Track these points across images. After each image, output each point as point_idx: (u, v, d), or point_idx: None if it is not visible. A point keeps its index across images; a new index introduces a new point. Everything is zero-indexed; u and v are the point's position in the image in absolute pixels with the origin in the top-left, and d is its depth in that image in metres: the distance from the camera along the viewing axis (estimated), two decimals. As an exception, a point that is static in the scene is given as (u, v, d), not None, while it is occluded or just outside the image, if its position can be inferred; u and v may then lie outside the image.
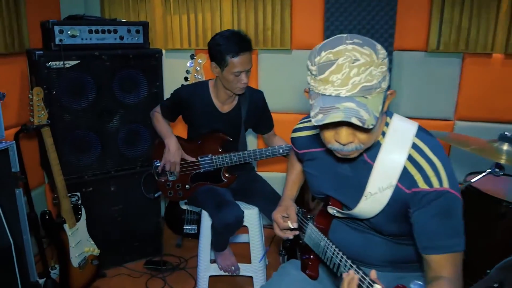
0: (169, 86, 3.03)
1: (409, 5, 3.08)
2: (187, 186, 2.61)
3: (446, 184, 1.25)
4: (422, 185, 1.26)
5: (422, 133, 1.36)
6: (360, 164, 1.41)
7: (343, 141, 1.25)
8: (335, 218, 1.63)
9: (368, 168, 1.37)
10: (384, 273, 1.47)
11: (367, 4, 3.07)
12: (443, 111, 3.23)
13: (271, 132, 2.77)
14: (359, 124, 1.12)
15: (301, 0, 3.17)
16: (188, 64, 3.12)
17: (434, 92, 3.20)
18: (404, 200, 1.31)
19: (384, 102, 1.23)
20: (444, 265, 1.28)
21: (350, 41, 1.18)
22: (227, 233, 2.42)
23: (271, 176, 3.38)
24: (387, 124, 1.38)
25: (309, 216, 1.79)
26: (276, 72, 3.27)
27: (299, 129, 1.72)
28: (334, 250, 1.47)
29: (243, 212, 2.41)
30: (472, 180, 2.24)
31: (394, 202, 1.32)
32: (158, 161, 2.60)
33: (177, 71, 3.23)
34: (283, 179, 3.45)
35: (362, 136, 1.25)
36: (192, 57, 3.13)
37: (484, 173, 2.20)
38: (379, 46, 1.21)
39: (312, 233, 1.68)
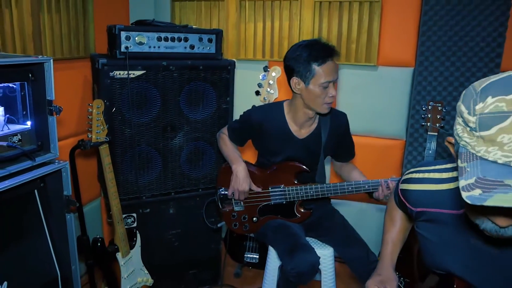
0: (239, 99, 2.66)
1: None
2: (254, 218, 2.21)
3: None
4: None
5: None
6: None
7: (502, 224, 0.90)
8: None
9: None
10: None
11: (472, 18, 2.53)
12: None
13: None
14: None
15: (393, 11, 2.66)
16: (260, 77, 2.74)
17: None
18: None
19: None
20: None
21: None
22: (298, 282, 1.99)
23: (342, 203, 2.93)
24: None
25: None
26: (358, 90, 2.79)
27: (417, 180, 1.27)
28: None
29: (319, 258, 1.97)
30: None
31: None
32: (223, 189, 2.21)
33: (248, 83, 2.84)
34: (356, 208, 3.02)
35: None
36: (265, 69, 2.74)
37: None
38: None
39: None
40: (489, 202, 0.76)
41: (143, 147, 2.31)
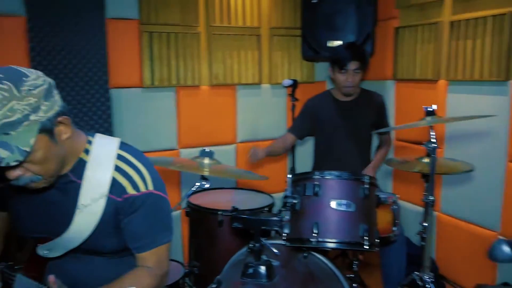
0: None
1: (119, 45, 3.02)
2: None
3: (150, 186, 1.31)
4: (130, 190, 1.28)
5: (125, 145, 1.38)
6: (68, 185, 1.30)
7: (10, 177, 1.13)
8: (51, 260, 1.40)
9: (77, 187, 1.29)
10: None
11: (75, 43, 2.84)
12: (167, 142, 3.26)
13: None
14: None
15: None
16: None
17: (156, 125, 3.21)
18: (117, 208, 1.29)
19: (49, 133, 1.14)
20: (150, 258, 1.34)
21: None
22: None
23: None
24: (90, 142, 1.33)
25: (16, 267, 1.45)
26: None
27: None
28: None
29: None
30: (190, 199, 2.36)
31: (109, 213, 1.29)
32: None
33: None
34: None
35: (32, 167, 1.14)
36: None
37: (194, 188, 2.30)
38: (32, 77, 1.11)
39: (26, 285, 1.36)
40: None
41: None
